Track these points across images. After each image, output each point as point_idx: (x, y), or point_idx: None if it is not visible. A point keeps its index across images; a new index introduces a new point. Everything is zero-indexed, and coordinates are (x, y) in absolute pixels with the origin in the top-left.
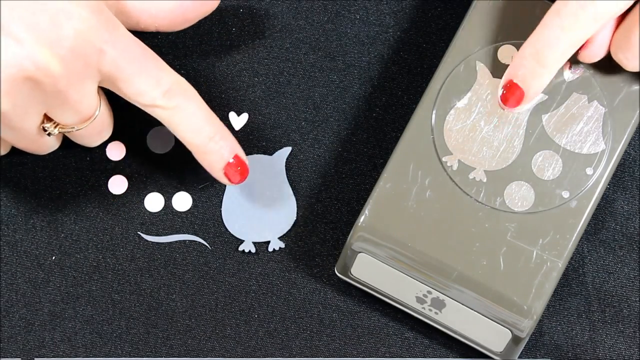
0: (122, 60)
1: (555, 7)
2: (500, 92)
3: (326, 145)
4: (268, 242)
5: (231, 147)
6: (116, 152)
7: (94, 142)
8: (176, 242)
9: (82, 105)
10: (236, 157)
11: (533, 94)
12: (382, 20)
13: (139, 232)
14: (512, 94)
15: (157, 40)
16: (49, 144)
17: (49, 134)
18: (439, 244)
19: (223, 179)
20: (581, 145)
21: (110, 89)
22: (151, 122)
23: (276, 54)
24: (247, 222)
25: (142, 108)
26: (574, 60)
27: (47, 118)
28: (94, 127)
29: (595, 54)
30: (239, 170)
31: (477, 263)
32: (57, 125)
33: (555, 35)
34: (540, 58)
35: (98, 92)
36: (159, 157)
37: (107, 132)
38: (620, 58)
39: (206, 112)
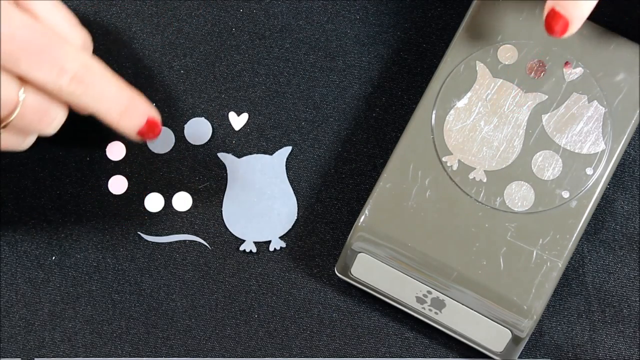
0: (16, 51)
1: None
2: (543, 20)
3: (326, 145)
4: (269, 242)
5: (143, 112)
6: (116, 152)
7: (46, 129)
8: (176, 242)
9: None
10: (148, 120)
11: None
12: (382, 20)
13: (139, 232)
14: (558, 24)
15: (156, 40)
16: (13, 142)
17: None
18: (439, 244)
19: (138, 140)
20: (581, 145)
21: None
22: None
23: (276, 54)
24: (247, 221)
25: (51, 95)
26: (574, 60)
27: None
28: (30, 113)
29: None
30: (152, 131)
31: (477, 263)
32: None
33: None
34: None
35: (16, 78)
36: (159, 157)
37: (55, 115)
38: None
39: (115, 87)
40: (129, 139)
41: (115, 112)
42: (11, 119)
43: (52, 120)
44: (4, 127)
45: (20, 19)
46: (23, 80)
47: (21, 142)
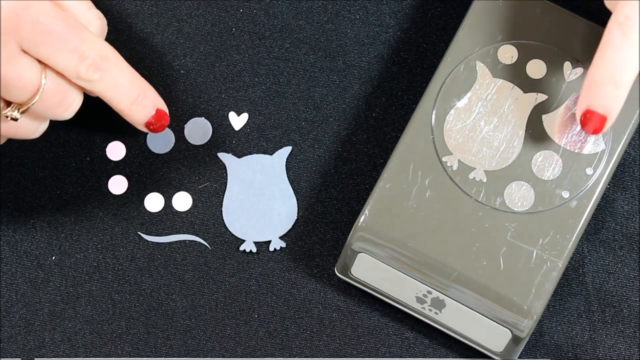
0: (39, 36)
1: (615, 25)
2: (577, 120)
3: (326, 145)
4: (269, 242)
5: (153, 103)
6: (116, 152)
7: (63, 113)
8: (176, 242)
9: (22, 79)
10: (157, 111)
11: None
12: (382, 20)
13: (139, 232)
14: (594, 122)
15: (156, 40)
16: (28, 128)
17: (13, 119)
18: (439, 244)
19: (145, 130)
20: (581, 145)
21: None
22: None
23: (276, 54)
24: (247, 221)
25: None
26: (574, 60)
27: (6, 102)
28: (51, 97)
29: None
30: (160, 123)
31: (477, 263)
32: (16, 106)
33: (627, 54)
34: (617, 81)
35: (39, 61)
36: (159, 157)
37: (73, 100)
38: None
39: (129, 76)
40: (137, 128)
41: (127, 100)
42: (32, 102)
43: (70, 105)
44: (24, 111)
45: (44, 5)
46: (43, 65)
47: (35, 129)
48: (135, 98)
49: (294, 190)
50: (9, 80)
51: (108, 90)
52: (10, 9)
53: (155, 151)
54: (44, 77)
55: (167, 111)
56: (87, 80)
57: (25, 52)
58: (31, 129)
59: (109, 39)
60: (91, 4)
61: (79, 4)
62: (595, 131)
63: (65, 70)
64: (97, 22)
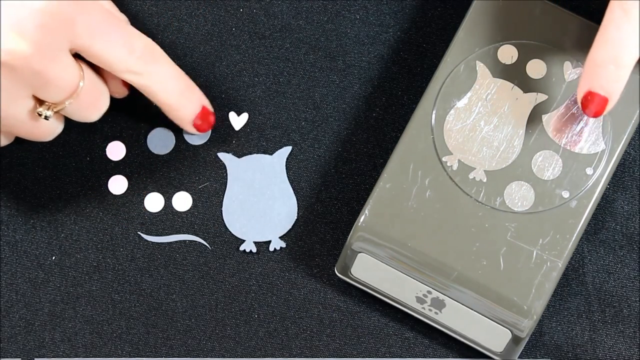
0: (93, 30)
1: (616, 4)
2: (578, 102)
3: (326, 145)
4: (269, 242)
5: (199, 100)
6: (116, 152)
7: (92, 115)
8: (176, 242)
9: (63, 79)
10: (203, 108)
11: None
12: (382, 20)
13: (139, 232)
14: (595, 103)
15: (156, 40)
16: (50, 128)
17: (45, 118)
18: (439, 244)
19: (192, 130)
20: (581, 145)
21: (86, 58)
22: (151, 122)
23: (276, 54)
24: (247, 221)
25: (115, 74)
26: (574, 60)
27: (39, 101)
28: (85, 98)
29: None
30: (206, 121)
31: (477, 263)
32: (50, 106)
33: (628, 33)
34: (619, 61)
35: (78, 62)
36: (159, 157)
37: (104, 102)
38: None
39: (175, 71)
40: (183, 129)
41: (174, 95)
42: (68, 102)
43: (100, 108)
44: (58, 111)
45: (92, 2)
46: (81, 66)
47: (54, 130)
48: (182, 92)
49: (294, 190)
50: (51, 78)
51: (156, 83)
52: (64, 7)
53: (155, 151)
54: (84, 77)
55: (212, 110)
56: (136, 72)
57: (79, 48)
58: (51, 129)
59: None
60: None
61: (112, 6)
62: (597, 114)
63: (116, 64)
64: (125, 19)
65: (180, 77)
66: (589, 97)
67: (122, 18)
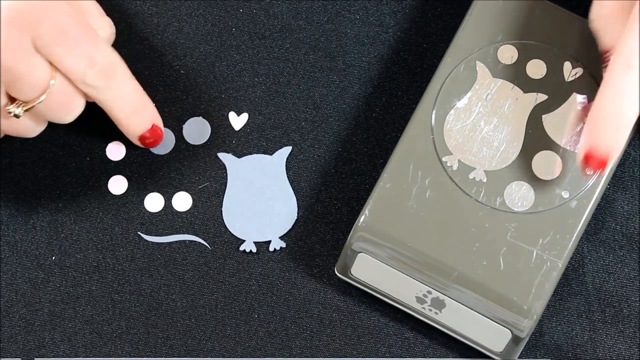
0: (57, 35)
1: (618, 61)
2: (579, 159)
3: (326, 145)
4: (269, 242)
5: (151, 118)
6: (116, 152)
7: (65, 116)
8: (176, 242)
9: (32, 77)
10: (153, 126)
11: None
12: (382, 20)
13: (139, 232)
14: (596, 160)
15: (156, 40)
16: (27, 126)
17: (16, 116)
18: (439, 244)
19: (137, 143)
20: None
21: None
22: None
23: (276, 54)
24: (247, 221)
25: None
26: (574, 60)
27: (11, 99)
28: (57, 98)
29: None
30: (152, 138)
31: (477, 263)
32: (21, 104)
33: (631, 90)
34: (620, 118)
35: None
36: (159, 157)
37: (77, 104)
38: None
39: (131, 89)
40: (130, 140)
41: (126, 113)
42: (38, 101)
43: (73, 109)
44: (28, 109)
45: (64, 5)
46: (53, 66)
47: (33, 129)
48: (135, 110)
49: (294, 190)
50: (19, 75)
51: (110, 100)
52: (31, 5)
53: (155, 152)
54: (54, 77)
55: (162, 128)
56: (91, 86)
57: (41, 50)
58: (29, 128)
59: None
60: (102, 11)
61: (94, 8)
62: (599, 169)
63: (73, 74)
64: (107, 29)
65: (135, 95)
66: (590, 154)
67: (101, 26)
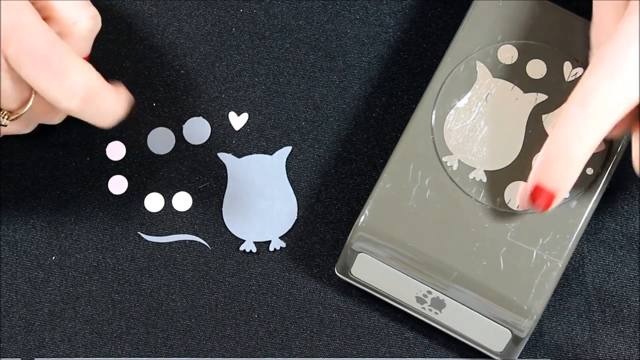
0: (23, 58)
1: (572, 98)
2: (526, 193)
3: (326, 145)
4: (269, 242)
5: (122, 105)
6: (116, 152)
7: (54, 119)
8: (176, 242)
9: (14, 92)
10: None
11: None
12: (382, 20)
13: (139, 232)
14: (542, 198)
15: (156, 40)
16: (16, 129)
17: (3, 125)
18: (439, 244)
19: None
20: None
21: None
22: (151, 122)
23: (276, 54)
24: (247, 221)
25: None
26: (574, 60)
27: None
28: (41, 106)
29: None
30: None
31: (477, 263)
32: (6, 114)
33: (583, 130)
34: (570, 157)
35: None
36: (159, 157)
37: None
38: None
39: (112, 101)
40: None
41: (107, 122)
42: (23, 112)
43: (59, 114)
44: (14, 119)
45: (34, 24)
46: None
47: (24, 130)
48: (118, 119)
49: (294, 190)
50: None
51: (93, 117)
52: (4, 22)
53: (155, 151)
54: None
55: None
56: (76, 112)
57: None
58: (19, 130)
59: (109, 38)
60: (85, 2)
61: (66, 3)
62: (545, 208)
63: (47, 97)
64: (85, 21)
65: (118, 105)
66: (536, 191)
67: (79, 18)
